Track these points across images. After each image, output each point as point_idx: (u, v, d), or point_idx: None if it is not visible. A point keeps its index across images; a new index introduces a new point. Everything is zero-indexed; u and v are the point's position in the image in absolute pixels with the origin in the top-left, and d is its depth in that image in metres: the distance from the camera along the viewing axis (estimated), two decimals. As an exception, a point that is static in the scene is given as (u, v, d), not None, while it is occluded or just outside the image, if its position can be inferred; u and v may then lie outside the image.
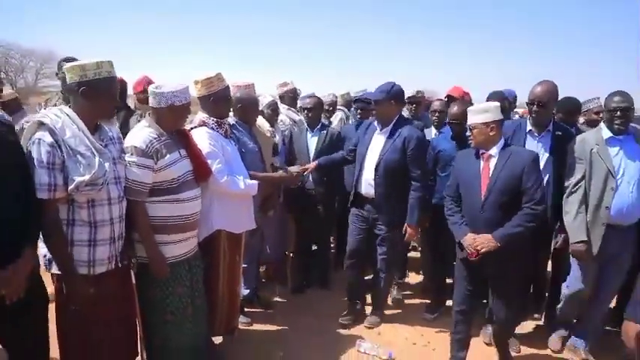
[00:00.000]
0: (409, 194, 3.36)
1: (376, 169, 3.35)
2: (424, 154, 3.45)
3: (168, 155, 2.41)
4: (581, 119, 4.23)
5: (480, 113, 2.71)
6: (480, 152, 2.76)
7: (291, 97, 4.60)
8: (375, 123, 3.50)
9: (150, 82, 4.09)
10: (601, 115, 3.52)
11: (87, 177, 1.94)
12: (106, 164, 2.03)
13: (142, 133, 2.39)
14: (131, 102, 4.64)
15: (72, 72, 2.02)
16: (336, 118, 5.40)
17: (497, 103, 2.79)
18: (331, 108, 5.26)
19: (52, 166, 1.91)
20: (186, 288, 2.60)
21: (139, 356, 2.55)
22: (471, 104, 3.60)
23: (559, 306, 3.23)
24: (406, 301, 4.11)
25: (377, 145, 3.41)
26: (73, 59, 3.65)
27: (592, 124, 3.82)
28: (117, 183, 2.16)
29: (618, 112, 2.74)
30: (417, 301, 4.14)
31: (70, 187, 1.93)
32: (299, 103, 4.50)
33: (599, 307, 3.06)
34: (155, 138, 2.39)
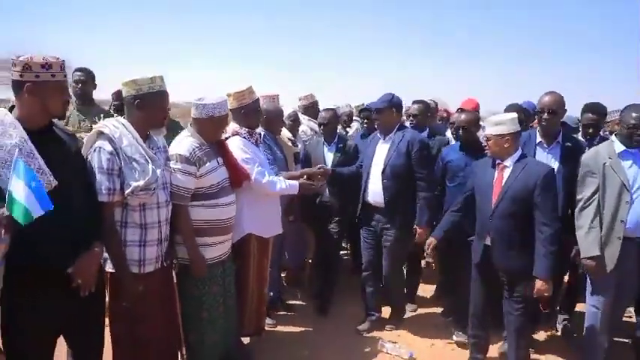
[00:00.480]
0: (417, 197, 3.47)
1: (383, 174, 3.48)
2: (428, 155, 3.58)
3: (208, 163, 2.60)
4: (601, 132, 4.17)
5: (496, 125, 2.80)
6: (496, 162, 2.86)
7: (313, 108, 4.78)
8: (378, 134, 3.66)
9: None
10: None
11: (142, 182, 2.12)
12: (158, 171, 2.22)
13: (185, 142, 2.59)
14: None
15: (128, 86, 2.22)
16: (352, 129, 5.57)
17: (514, 115, 2.88)
18: (348, 119, 5.43)
19: (111, 172, 2.09)
20: (220, 287, 2.77)
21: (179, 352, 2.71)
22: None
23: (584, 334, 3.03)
24: (424, 308, 4.21)
25: (382, 153, 3.55)
26: (85, 69, 3.91)
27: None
28: (164, 188, 2.34)
29: (639, 131, 2.72)
30: (434, 308, 4.22)
31: (127, 191, 2.11)
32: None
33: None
34: (197, 147, 2.58)
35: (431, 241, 3.22)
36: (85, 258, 1.94)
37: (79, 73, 3.91)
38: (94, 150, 2.11)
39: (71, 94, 4.09)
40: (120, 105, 3.97)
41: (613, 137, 2.91)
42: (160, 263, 2.38)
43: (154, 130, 2.33)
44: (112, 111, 3.85)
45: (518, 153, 2.82)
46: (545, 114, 3.10)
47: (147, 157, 2.19)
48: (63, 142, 2.00)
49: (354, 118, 5.76)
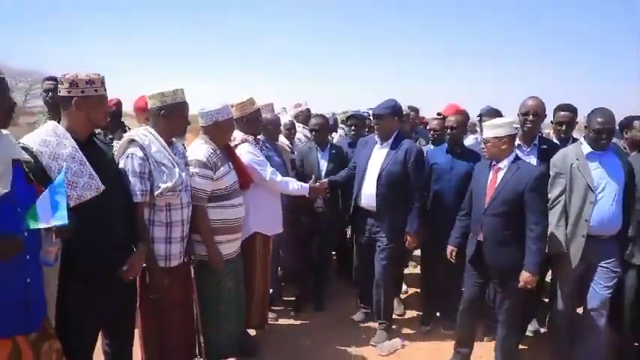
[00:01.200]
0: (409, 204, 3.55)
1: (378, 180, 3.52)
2: (423, 166, 3.64)
3: (222, 167, 2.87)
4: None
5: (494, 128, 2.92)
6: (492, 164, 3.00)
7: (305, 116, 5.06)
8: (376, 137, 3.69)
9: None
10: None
11: (170, 184, 2.38)
12: (183, 174, 2.48)
13: (202, 148, 2.84)
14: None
15: (154, 98, 2.48)
16: (336, 136, 5.82)
17: (511, 119, 3.11)
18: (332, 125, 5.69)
19: (143, 175, 2.34)
20: (233, 282, 3.03)
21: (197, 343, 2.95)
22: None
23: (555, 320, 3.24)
24: (412, 310, 4.35)
25: (378, 158, 3.60)
26: (54, 78, 3.69)
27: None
28: (186, 190, 2.59)
29: (604, 135, 2.87)
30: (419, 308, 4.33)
31: (157, 193, 2.37)
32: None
33: (596, 322, 3.00)
34: (212, 152, 2.85)
35: (451, 249, 3.30)
36: (135, 256, 2.22)
37: (49, 82, 3.81)
38: (127, 156, 2.36)
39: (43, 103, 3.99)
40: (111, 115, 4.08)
41: (582, 139, 3.06)
42: (182, 258, 2.63)
43: (177, 137, 2.60)
44: None
45: (513, 155, 2.97)
46: (530, 116, 3.23)
47: (173, 162, 2.45)
48: (102, 150, 2.25)
49: (340, 125, 6.05)
